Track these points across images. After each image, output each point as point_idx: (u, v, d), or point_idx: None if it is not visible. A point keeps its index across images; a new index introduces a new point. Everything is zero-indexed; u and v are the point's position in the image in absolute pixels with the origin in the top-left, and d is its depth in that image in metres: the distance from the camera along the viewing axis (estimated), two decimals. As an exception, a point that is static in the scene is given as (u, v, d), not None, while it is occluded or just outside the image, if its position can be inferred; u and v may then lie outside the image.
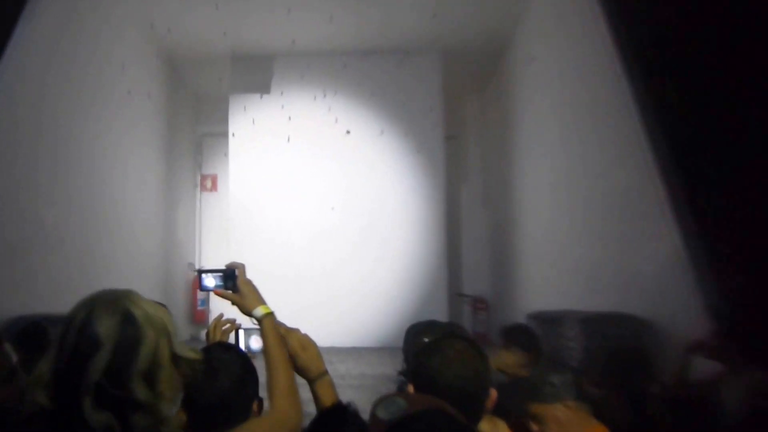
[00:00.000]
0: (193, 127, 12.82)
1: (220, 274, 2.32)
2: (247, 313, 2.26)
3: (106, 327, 1.60)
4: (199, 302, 11.95)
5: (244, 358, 2.30)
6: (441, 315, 9.84)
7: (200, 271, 2.35)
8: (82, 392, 1.55)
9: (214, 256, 12.01)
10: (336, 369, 7.49)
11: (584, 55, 7.02)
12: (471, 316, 11.75)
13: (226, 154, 11.31)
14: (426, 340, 3.16)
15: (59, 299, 6.74)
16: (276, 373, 2.16)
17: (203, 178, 12.87)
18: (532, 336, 4.53)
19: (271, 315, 2.26)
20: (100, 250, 8.18)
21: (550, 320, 6.14)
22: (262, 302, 2.28)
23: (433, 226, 10.78)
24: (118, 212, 8.86)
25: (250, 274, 2.36)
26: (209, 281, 2.34)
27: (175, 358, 1.68)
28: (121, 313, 1.63)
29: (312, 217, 10.73)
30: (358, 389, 6.28)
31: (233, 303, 2.29)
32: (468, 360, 2.28)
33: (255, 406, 2.21)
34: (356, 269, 10.50)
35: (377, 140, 10.85)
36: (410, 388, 2.33)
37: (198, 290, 11.47)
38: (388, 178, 10.81)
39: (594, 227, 6.74)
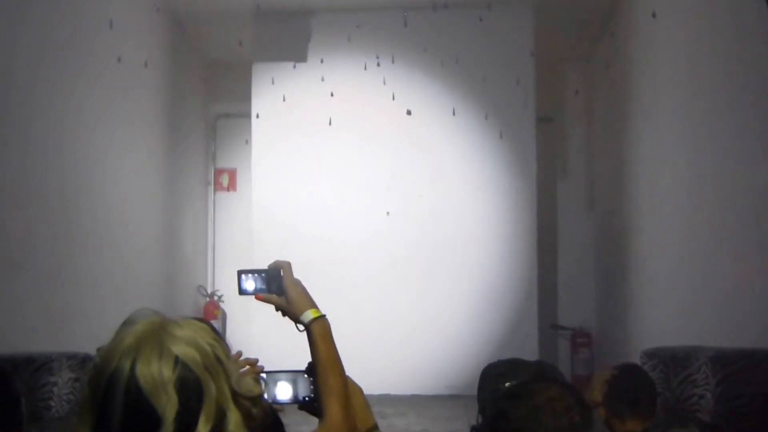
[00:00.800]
0: (205, 107, 13.01)
1: (263, 275, 2.51)
2: (295, 318, 2.44)
3: (163, 395, 1.66)
4: (212, 335, 12.19)
5: (271, 410, 2.45)
6: (530, 352, 9.87)
7: (240, 272, 2.53)
8: None
9: (232, 274, 12.14)
10: (392, 425, 7.62)
11: (723, 9, 7.06)
12: (569, 354, 11.88)
13: (247, 142, 11.55)
14: (507, 384, 3.29)
15: (26, 334, 6.99)
16: (327, 377, 2.34)
17: (218, 173, 13.12)
18: (646, 378, 4.63)
19: (322, 318, 2.42)
20: (82, 270, 8.27)
21: (673, 359, 6.19)
22: (313, 305, 2.43)
23: (521, 236, 10.88)
24: (106, 219, 8.94)
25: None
26: (249, 284, 2.52)
27: (236, 397, 1.78)
28: (172, 365, 1.70)
29: (360, 225, 10.89)
30: None
31: (277, 308, 2.47)
32: (564, 410, 2.34)
33: None
34: (417, 292, 10.67)
35: (447, 122, 10.97)
36: None
37: (204, 315, 11.75)
38: (461, 174, 10.95)
39: (731, 238, 6.78)
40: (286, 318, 2.47)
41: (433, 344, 10.43)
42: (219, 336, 1.88)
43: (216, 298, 12.37)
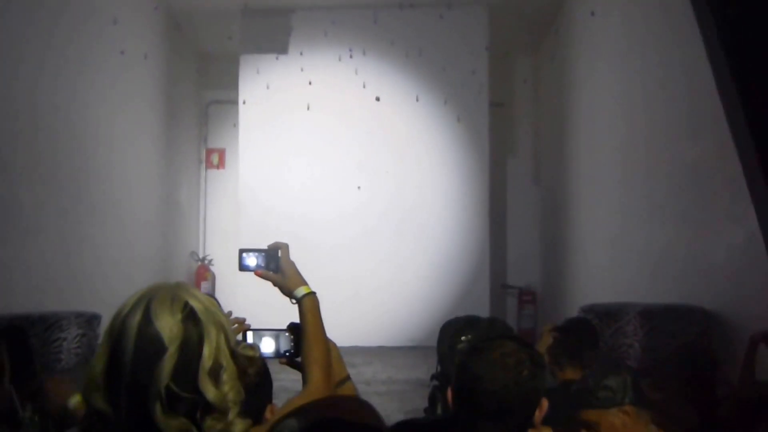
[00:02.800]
0: (198, 93, 12.98)
1: (263, 254, 2.58)
2: (289, 293, 2.50)
3: (169, 327, 1.72)
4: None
5: (263, 367, 2.46)
6: (482, 309, 10.01)
7: (241, 251, 2.58)
8: (151, 398, 1.68)
9: (221, 242, 12.18)
10: (361, 373, 7.63)
11: (653, 8, 7.09)
12: (517, 311, 11.95)
13: (235, 125, 11.51)
14: (464, 338, 3.30)
15: (38, 295, 6.97)
16: (311, 346, 2.40)
17: (209, 152, 13.07)
18: (590, 332, 4.62)
19: (312, 294, 2.49)
20: (88, 238, 8.28)
21: (606, 314, 6.23)
22: (304, 283, 2.51)
23: (475, 207, 10.96)
24: (108, 193, 8.94)
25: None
26: (251, 261, 2.58)
27: (234, 356, 1.82)
28: (181, 309, 1.75)
29: (335, 198, 10.93)
30: (385, 396, 6.41)
31: (275, 284, 2.53)
32: (517, 364, 2.39)
33: (268, 413, 2.34)
34: (384, 257, 10.73)
35: (412, 108, 11.01)
36: (449, 396, 2.48)
37: (196, 278, 11.80)
38: (423, 152, 10.98)
39: (659, 208, 6.84)
40: (276, 289, 2.53)
41: (397, 302, 10.50)
42: (221, 308, 1.91)
43: (207, 262, 12.37)
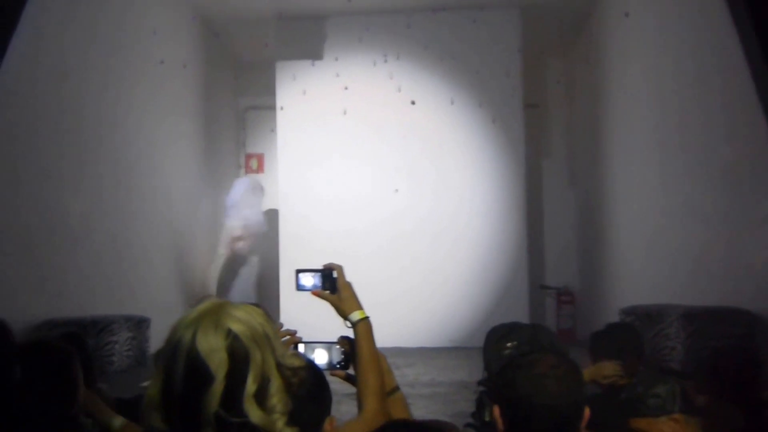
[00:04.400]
0: (235, 100, 13.04)
1: (318, 274, 2.62)
2: (344, 316, 2.57)
3: (215, 357, 1.78)
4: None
5: (318, 373, 2.45)
6: (521, 310, 9.99)
7: (298, 271, 2.64)
8: (203, 423, 1.77)
9: (260, 245, 12.17)
10: (404, 375, 7.60)
11: (688, 9, 7.02)
12: (555, 311, 11.86)
13: (273, 130, 11.50)
14: (509, 345, 3.30)
15: (89, 299, 7.06)
16: (367, 375, 2.48)
17: (248, 157, 13.11)
18: (634, 338, 4.54)
19: (366, 319, 2.57)
20: (133, 243, 8.38)
21: (647, 315, 6.20)
22: (360, 307, 2.59)
23: (512, 208, 10.86)
24: (152, 199, 9.05)
25: (300, 264, 2.66)
26: (307, 280, 2.63)
27: (280, 367, 1.89)
28: (224, 337, 1.82)
29: (373, 201, 10.88)
30: (429, 399, 6.34)
31: (332, 305, 2.59)
32: (562, 377, 2.37)
33: (328, 424, 2.33)
34: (423, 259, 10.65)
35: (447, 111, 10.95)
36: (495, 411, 2.47)
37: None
38: (459, 155, 10.91)
39: (698, 208, 6.77)
40: (319, 304, 2.63)
41: (437, 303, 10.44)
42: (270, 318, 1.98)
43: (247, 262, 12.40)
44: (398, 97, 10.90)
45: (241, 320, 1.86)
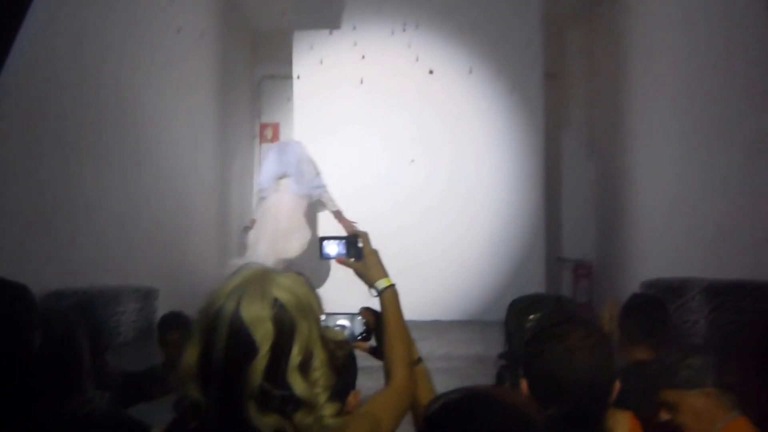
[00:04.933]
0: (252, 69, 12.95)
1: (343, 241, 2.59)
2: (370, 284, 2.53)
3: (260, 327, 1.75)
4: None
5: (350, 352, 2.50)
6: (537, 282, 9.90)
7: (321, 239, 2.61)
8: (245, 396, 1.74)
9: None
10: (418, 348, 7.52)
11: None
12: (572, 284, 11.79)
13: (289, 99, 11.45)
14: (532, 317, 3.25)
15: (99, 271, 7.02)
16: (395, 343, 2.43)
17: (263, 127, 13.05)
18: (661, 310, 4.45)
19: (393, 287, 2.52)
20: (146, 213, 8.34)
21: (669, 289, 6.13)
22: (386, 274, 2.54)
23: (530, 179, 10.75)
24: (166, 169, 8.99)
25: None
26: (331, 248, 2.60)
27: (324, 340, 1.86)
28: (270, 306, 1.78)
29: (388, 172, 10.78)
30: (445, 373, 6.22)
31: (356, 273, 2.56)
32: (593, 349, 2.33)
33: (352, 398, 2.38)
34: (437, 230, 10.55)
35: (465, 80, 10.83)
36: (523, 385, 2.40)
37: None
38: (477, 125, 10.79)
39: (720, 180, 6.69)
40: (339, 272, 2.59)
41: (451, 276, 10.36)
42: (313, 289, 1.94)
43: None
44: (416, 67, 10.78)
45: (288, 289, 1.83)
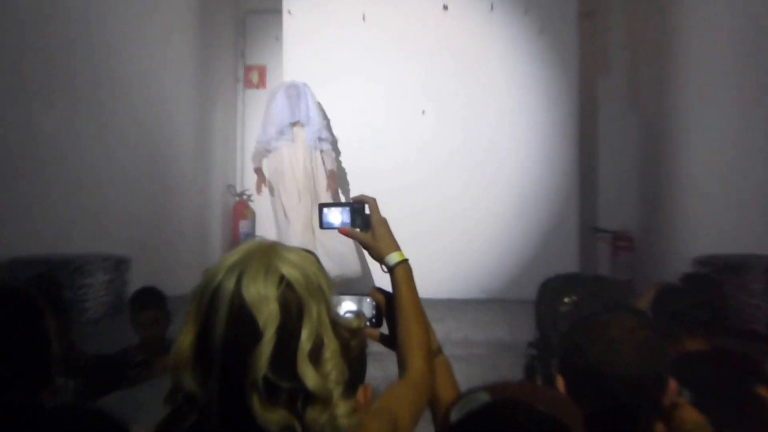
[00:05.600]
0: (235, 2, 12.87)
1: (347, 208, 2.56)
2: (379, 258, 2.48)
3: (265, 308, 1.74)
4: (241, 234, 12.14)
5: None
6: (569, 256, 9.99)
7: (322, 206, 2.57)
8: (247, 388, 1.73)
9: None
10: (434, 330, 7.51)
11: None
12: (609, 259, 11.81)
13: (278, 38, 11.45)
14: (567, 300, 3.28)
15: (61, 235, 7.04)
16: (410, 327, 2.39)
17: (248, 70, 13.00)
18: (717, 293, 4.44)
19: (406, 263, 2.47)
20: (116, 170, 8.35)
21: (726, 267, 6.15)
22: (398, 247, 2.49)
23: (560, 135, 10.76)
24: (135, 117, 8.98)
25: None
26: (333, 217, 2.57)
27: (336, 327, 1.86)
28: (276, 284, 1.77)
29: (394, 125, 10.78)
30: (464, 362, 6.20)
31: (363, 245, 2.52)
32: (641, 342, 2.33)
33: (361, 394, 2.28)
34: (452, 193, 10.57)
35: (485, 18, 10.78)
36: (559, 382, 2.41)
37: (234, 216, 11.83)
38: (498, 71, 10.76)
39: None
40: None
41: (468, 247, 10.39)
42: (322, 266, 1.93)
43: (245, 197, 12.37)
44: (428, 1, 10.73)
45: (296, 265, 1.82)
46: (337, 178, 10.35)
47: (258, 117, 11.92)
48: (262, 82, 12.88)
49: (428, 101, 10.75)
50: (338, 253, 9.48)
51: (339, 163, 10.63)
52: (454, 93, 10.72)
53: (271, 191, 10.26)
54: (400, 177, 10.43)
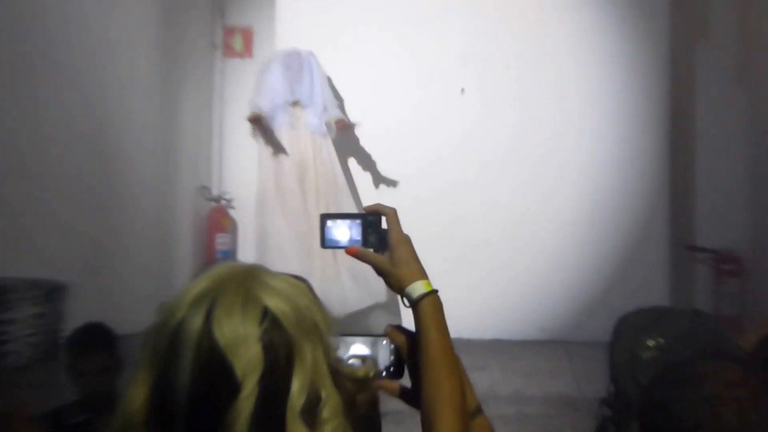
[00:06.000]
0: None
1: (358, 221, 2.47)
2: (399, 288, 2.39)
3: (244, 353, 1.71)
4: (219, 253, 12.10)
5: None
6: (656, 284, 10.09)
7: (324, 217, 2.49)
8: None
9: (245, 172, 12.08)
10: (474, 382, 7.50)
11: None
12: (711, 287, 11.71)
13: (267, -7, 11.50)
14: (652, 343, 3.28)
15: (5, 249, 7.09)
16: (439, 379, 2.32)
17: (228, 33, 13.01)
18: None
19: (434, 294, 2.35)
20: (44, 166, 8.33)
21: None
22: (424, 274, 2.37)
23: (647, 122, 10.79)
24: (76, 99, 8.96)
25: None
26: (340, 232, 2.48)
27: (337, 376, 1.85)
28: (258, 320, 1.74)
29: (425, 110, 10.80)
30: (517, 425, 6.20)
31: (379, 271, 2.43)
32: (749, 401, 2.32)
33: None
34: (501, 198, 10.60)
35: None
36: None
37: (208, 226, 11.80)
38: (561, 39, 10.81)
39: None
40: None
41: (521, 272, 10.42)
42: (317, 298, 1.93)
43: (224, 202, 12.37)
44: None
45: (284, 295, 1.81)
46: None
47: (241, 95, 11.93)
48: (247, 50, 12.89)
49: (468, 77, 10.78)
50: (367, 278, 9.28)
51: (368, 157, 10.63)
52: (504, 66, 10.75)
53: (263, 196, 10.21)
54: (428, 180, 10.50)
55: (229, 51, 12.95)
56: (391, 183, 10.23)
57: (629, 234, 10.51)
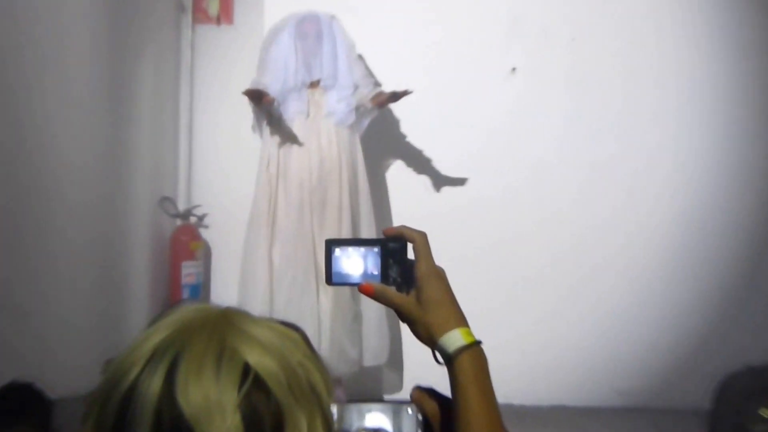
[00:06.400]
0: None
1: (376, 249, 2.46)
2: (429, 339, 2.42)
3: (219, 425, 1.65)
4: (185, 288, 12.03)
5: None
6: (755, 344, 9.92)
7: (330, 244, 2.48)
8: None
9: (221, 179, 12.11)
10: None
11: None
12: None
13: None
14: (766, 414, 3.35)
15: None
16: None
17: (199, -6, 13.04)
18: None
19: (476, 347, 2.38)
20: None
21: None
22: (463, 321, 2.41)
23: (755, 135, 10.76)
24: (16, 77, 8.95)
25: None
26: (351, 264, 2.47)
27: None
28: (237, 380, 1.71)
29: (465, 94, 10.87)
30: None
31: (403, 316, 2.45)
32: None
33: None
34: (565, 226, 10.69)
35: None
36: None
37: (172, 249, 11.77)
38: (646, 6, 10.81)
39: None
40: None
41: (591, 323, 10.49)
42: (315, 353, 1.91)
43: (194, 219, 12.36)
44: None
45: (270, 348, 1.79)
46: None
47: (218, 76, 12.05)
48: (225, 15, 12.83)
49: (520, 55, 10.85)
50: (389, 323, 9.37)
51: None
52: (568, 39, 10.80)
53: (258, 210, 10.06)
54: (468, 189, 10.50)
55: (201, 16, 12.87)
56: (412, 192, 10.17)
57: (735, 270, 10.53)
